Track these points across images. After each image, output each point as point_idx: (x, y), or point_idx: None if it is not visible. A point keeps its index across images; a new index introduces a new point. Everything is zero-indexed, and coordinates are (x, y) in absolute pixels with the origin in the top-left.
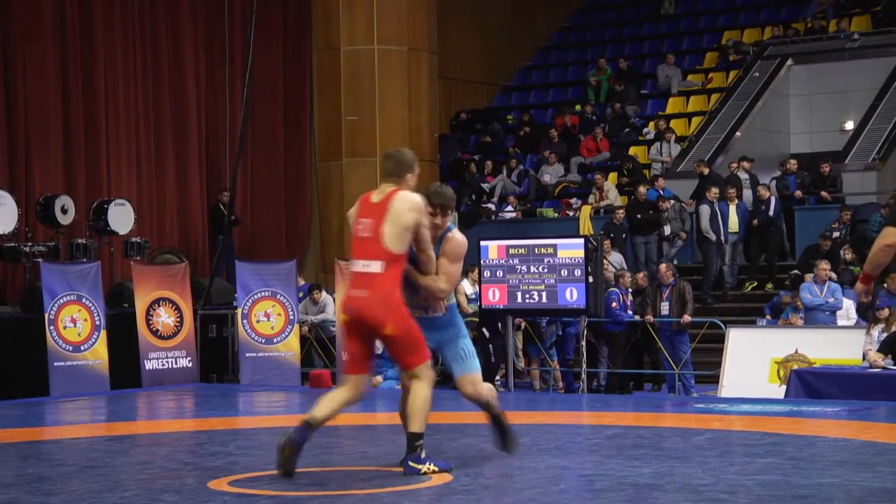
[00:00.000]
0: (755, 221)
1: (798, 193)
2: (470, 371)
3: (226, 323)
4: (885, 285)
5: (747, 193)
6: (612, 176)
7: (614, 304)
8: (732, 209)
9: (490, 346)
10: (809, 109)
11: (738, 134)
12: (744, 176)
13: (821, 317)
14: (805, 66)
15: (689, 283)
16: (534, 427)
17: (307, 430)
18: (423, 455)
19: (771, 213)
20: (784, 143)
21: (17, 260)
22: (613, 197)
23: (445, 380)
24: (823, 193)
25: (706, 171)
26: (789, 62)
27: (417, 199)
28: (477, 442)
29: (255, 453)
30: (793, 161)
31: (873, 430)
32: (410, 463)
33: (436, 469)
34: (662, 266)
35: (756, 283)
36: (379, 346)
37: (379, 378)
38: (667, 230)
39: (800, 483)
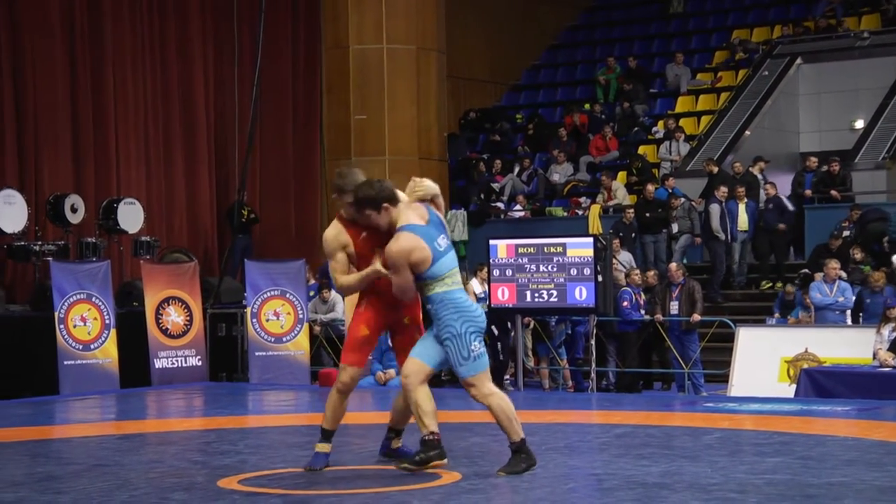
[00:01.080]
0: (760, 222)
1: (808, 192)
2: (462, 376)
3: (235, 322)
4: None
5: (762, 193)
6: (622, 175)
7: (626, 304)
8: (741, 208)
9: (498, 344)
10: (819, 108)
11: (747, 133)
12: (759, 177)
13: (831, 316)
14: (814, 64)
15: (699, 283)
16: (543, 426)
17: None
18: (316, 448)
19: (775, 211)
20: (793, 142)
21: (26, 259)
22: (622, 196)
23: (454, 378)
24: (833, 192)
25: (715, 169)
26: (799, 61)
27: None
28: (486, 441)
29: (264, 452)
30: (813, 158)
31: (883, 429)
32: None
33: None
34: (673, 265)
35: (770, 283)
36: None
37: (391, 372)
38: (674, 228)
39: (809, 482)
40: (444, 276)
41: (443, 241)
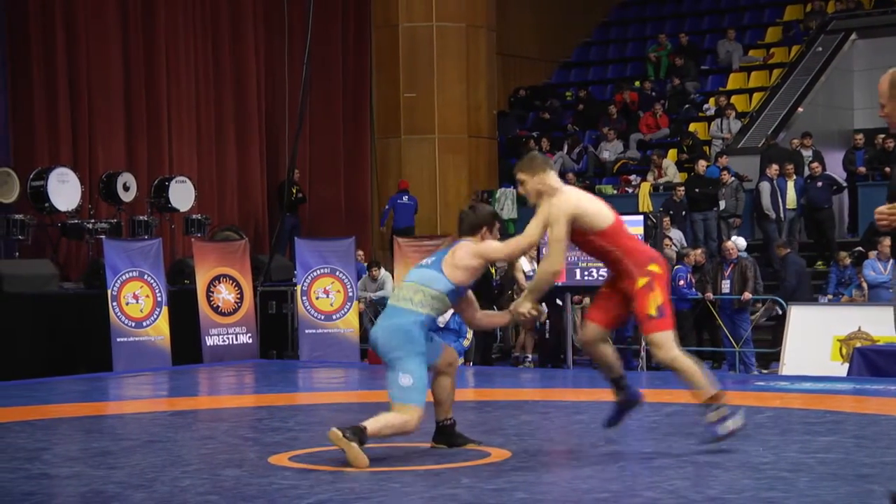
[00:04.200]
0: (803, 199)
1: (861, 169)
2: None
3: (285, 300)
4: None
5: (807, 171)
6: (672, 152)
7: (682, 283)
8: (790, 185)
9: (548, 322)
10: (873, 84)
11: (800, 110)
12: (807, 153)
13: (884, 294)
14: (869, 40)
15: (751, 261)
16: (593, 404)
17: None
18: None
19: (825, 188)
20: (847, 119)
21: (80, 237)
22: (672, 174)
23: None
24: (887, 169)
25: (772, 143)
26: (853, 36)
27: None
28: (535, 419)
29: (315, 429)
30: (859, 135)
31: None
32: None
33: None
34: (728, 243)
35: (822, 262)
36: (443, 320)
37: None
38: (721, 205)
39: (862, 461)
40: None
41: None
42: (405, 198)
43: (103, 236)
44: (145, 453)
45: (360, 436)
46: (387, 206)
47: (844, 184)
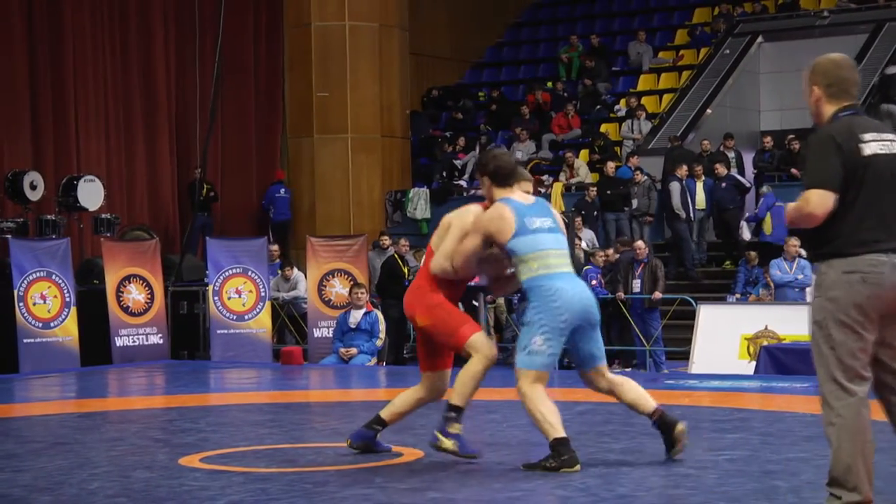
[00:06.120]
0: (713, 200)
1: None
2: (515, 364)
3: (197, 300)
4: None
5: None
6: (584, 153)
7: (593, 283)
8: (699, 186)
9: None
10: (779, 87)
11: (708, 111)
12: (731, 154)
13: (790, 293)
14: (775, 43)
15: (661, 261)
16: (505, 403)
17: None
18: (450, 429)
19: (731, 189)
20: (754, 121)
21: None
22: (584, 174)
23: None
24: (794, 171)
25: (677, 143)
26: (760, 39)
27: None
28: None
29: (226, 430)
30: (767, 138)
31: None
32: (435, 432)
33: (455, 450)
34: (640, 242)
35: (730, 262)
36: (355, 320)
37: (353, 350)
38: (634, 203)
39: (768, 458)
40: (527, 256)
41: (537, 222)
42: (282, 190)
43: (9, 236)
44: (52, 456)
45: None
46: (264, 201)
47: (748, 185)
